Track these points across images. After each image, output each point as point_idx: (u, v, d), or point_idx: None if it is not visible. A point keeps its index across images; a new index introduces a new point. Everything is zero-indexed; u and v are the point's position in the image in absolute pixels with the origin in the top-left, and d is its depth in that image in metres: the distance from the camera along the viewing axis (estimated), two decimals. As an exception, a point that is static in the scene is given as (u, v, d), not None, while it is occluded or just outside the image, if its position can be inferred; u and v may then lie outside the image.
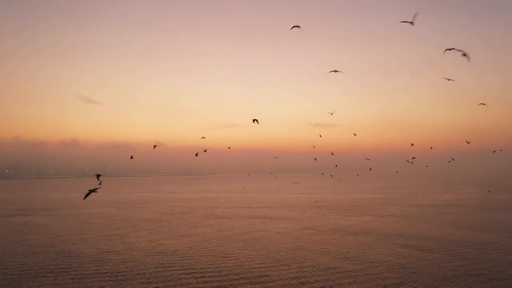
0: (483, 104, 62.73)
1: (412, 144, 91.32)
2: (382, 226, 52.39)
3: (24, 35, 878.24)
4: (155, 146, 79.43)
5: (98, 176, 40.41)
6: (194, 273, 29.58)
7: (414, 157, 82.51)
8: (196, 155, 77.14)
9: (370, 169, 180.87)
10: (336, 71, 53.65)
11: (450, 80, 57.78)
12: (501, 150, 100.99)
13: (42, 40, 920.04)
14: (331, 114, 71.49)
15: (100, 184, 40.67)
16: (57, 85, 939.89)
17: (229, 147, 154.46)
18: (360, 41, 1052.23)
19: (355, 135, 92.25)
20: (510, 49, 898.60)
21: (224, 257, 34.34)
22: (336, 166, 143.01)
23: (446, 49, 36.44)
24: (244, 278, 28.03)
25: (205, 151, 71.71)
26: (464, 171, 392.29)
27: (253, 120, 55.93)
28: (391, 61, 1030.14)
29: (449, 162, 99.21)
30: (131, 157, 68.58)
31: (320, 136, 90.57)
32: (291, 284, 26.57)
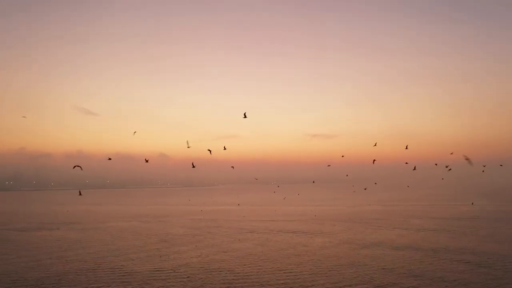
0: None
1: (406, 147, 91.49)
2: (423, 240, 51.86)
3: (21, 46, 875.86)
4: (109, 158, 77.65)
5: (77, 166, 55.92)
6: (268, 292, 28.92)
7: (447, 166, 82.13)
8: (193, 166, 76.26)
9: (375, 183, 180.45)
10: None
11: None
12: (484, 166, 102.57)
13: (38, 51, 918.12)
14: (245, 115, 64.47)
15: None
16: (54, 97, 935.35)
17: (232, 167, 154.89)
18: (362, 52, 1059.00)
19: (409, 147, 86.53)
20: (510, 60, 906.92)
21: (289, 275, 33.68)
22: (347, 175, 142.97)
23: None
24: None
25: (209, 150, 68.73)
26: (465, 181, 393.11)
27: (244, 115, 59.72)
28: (393, 72, 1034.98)
29: (482, 171, 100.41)
30: (77, 167, 66.82)
31: (343, 156, 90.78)
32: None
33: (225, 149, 74.21)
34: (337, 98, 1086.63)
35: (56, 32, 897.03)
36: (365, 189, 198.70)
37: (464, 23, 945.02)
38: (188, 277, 33.76)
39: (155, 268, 36.94)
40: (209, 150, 67.72)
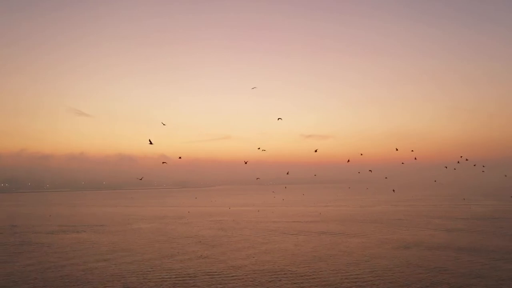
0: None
1: (412, 151, 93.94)
2: (460, 240, 52.36)
3: (13, 49, 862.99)
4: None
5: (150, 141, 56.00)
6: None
7: (467, 159, 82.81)
8: (246, 162, 79.07)
9: (386, 177, 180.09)
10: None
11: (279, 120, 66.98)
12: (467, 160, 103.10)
13: (29, 54, 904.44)
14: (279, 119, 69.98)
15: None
16: (47, 99, 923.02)
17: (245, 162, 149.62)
18: (360, 53, 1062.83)
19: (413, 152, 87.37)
20: (507, 62, 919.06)
21: (350, 276, 33.88)
22: (359, 172, 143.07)
23: None
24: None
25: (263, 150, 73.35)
26: (464, 181, 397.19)
27: (278, 119, 67.00)
28: (391, 73, 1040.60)
29: (482, 171, 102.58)
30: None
31: (362, 153, 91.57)
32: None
33: (259, 150, 75.84)
34: (334, 99, 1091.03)
35: (53, 33, 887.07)
36: (367, 188, 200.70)
37: (463, 26, 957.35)
38: (254, 280, 33.73)
39: (213, 272, 36.69)
40: (263, 150, 72.74)
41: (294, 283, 32.36)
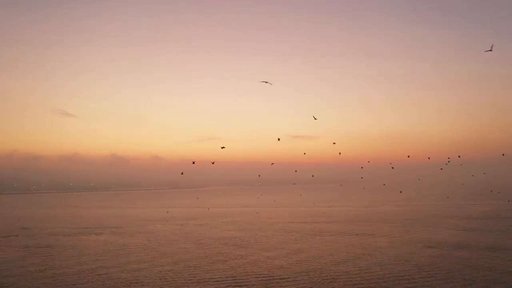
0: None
1: (409, 156, 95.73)
2: (488, 240, 53.08)
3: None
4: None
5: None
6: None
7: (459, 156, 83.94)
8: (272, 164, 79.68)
9: (384, 184, 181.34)
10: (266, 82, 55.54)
11: (489, 50, 56.45)
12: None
13: (14, 54, 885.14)
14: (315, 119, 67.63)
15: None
16: (32, 99, 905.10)
17: (272, 163, 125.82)
18: (350, 54, 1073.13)
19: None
20: (494, 67, 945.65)
21: (411, 282, 34.18)
22: (362, 177, 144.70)
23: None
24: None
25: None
26: (456, 181, 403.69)
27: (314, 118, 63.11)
28: (380, 75, 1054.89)
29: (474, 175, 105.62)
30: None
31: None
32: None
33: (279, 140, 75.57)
34: (323, 99, 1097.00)
35: (41, 31, 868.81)
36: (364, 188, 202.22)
37: (452, 29, 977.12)
38: (310, 281, 33.71)
39: (267, 276, 35.84)
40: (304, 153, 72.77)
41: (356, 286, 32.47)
